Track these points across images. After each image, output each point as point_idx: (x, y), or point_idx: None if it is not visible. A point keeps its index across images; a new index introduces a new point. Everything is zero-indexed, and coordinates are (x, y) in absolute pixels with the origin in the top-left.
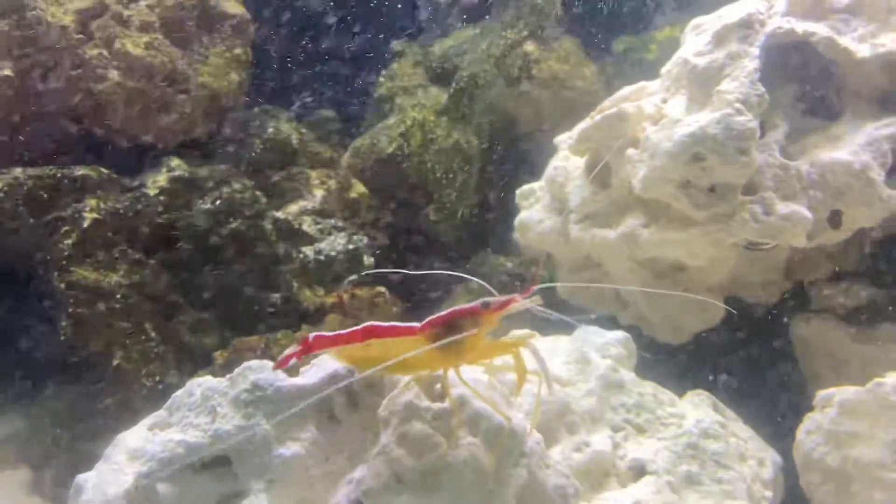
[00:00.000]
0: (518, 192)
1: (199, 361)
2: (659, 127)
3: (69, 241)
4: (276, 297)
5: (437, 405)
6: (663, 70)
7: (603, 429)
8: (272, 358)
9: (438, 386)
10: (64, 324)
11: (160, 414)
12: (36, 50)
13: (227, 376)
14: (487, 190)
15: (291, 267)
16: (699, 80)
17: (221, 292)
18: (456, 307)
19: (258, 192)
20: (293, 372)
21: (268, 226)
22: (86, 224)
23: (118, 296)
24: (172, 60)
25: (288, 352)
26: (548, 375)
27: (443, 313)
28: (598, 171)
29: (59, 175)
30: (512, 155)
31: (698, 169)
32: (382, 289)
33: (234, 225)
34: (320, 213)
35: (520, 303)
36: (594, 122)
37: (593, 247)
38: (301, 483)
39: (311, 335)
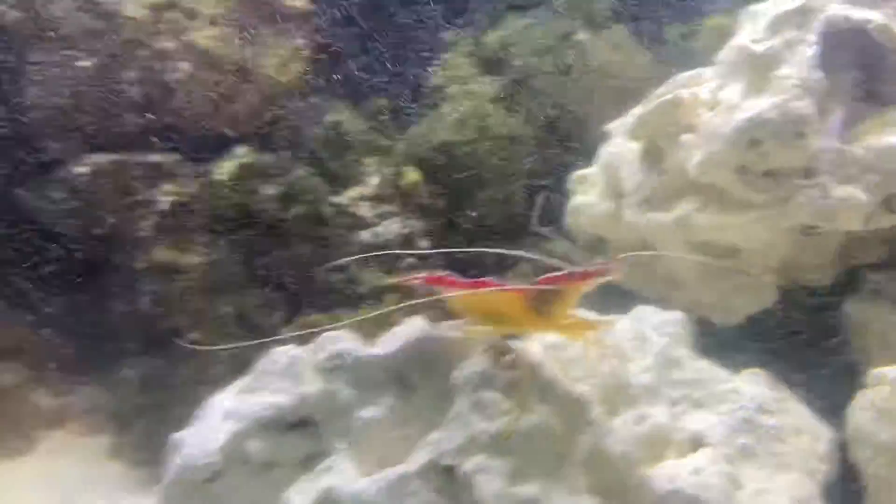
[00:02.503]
0: (573, 177)
1: (266, 337)
2: (715, 113)
3: (149, 223)
4: (336, 277)
5: (509, 373)
6: (719, 57)
7: (661, 403)
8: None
9: (509, 356)
10: (144, 300)
11: (245, 380)
12: (112, 42)
13: (309, 345)
14: (539, 176)
15: (350, 249)
16: (756, 66)
17: (286, 273)
18: (549, 275)
19: (318, 179)
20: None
21: (328, 210)
22: (164, 207)
23: (194, 274)
24: (238, 52)
25: (411, 278)
26: (616, 352)
27: (539, 279)
28: (654, 156)
29: (136, 162)
30: (563, 142)
31: (755, 154)
32: (440, 272)
33: (296, 209)
34: (376, 198)
35: (607, 274)
36: (650, 108)
37: (648, 230)
38: (379, 444)
39: (439, 273)
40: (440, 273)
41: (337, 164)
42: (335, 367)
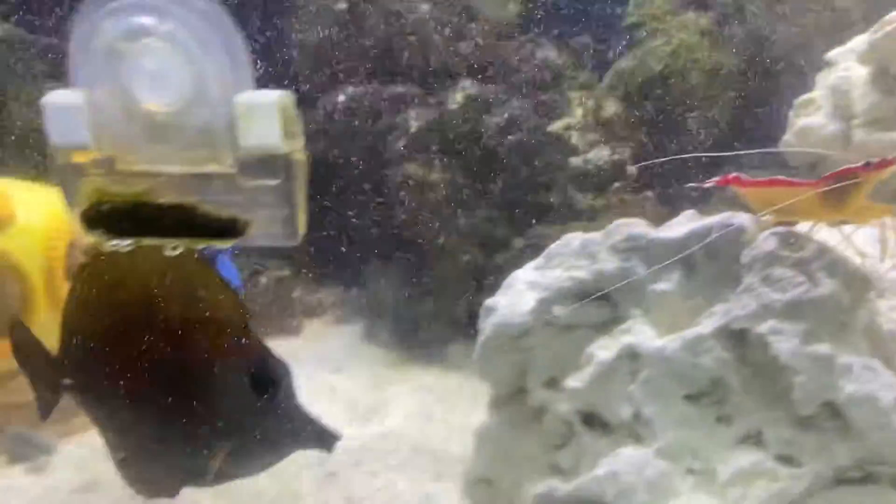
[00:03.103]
0: (798, 101)
1: (493, 247)
2: None
3: (401, 143)
4: (552, 199)
5: (797, 254)
6: None
7: None
8: None
9: (792, 241)
10: (398, 210)
11: (539, 261)
12: None
13: (601, 231)
14: (746, 105)
15: (564, 174)
16: None
17: (507, 193)
18: (844, 166)
19: (530, 111)
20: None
21: (542, 138)
22: (412, 130)
23: (438, 189)
24: None
25: (711, 179)
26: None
27: (833, 171)
28: (885, 79)
29: (384, 92)
30: (767, 74)
31: None
32: (649, 193)
33: (516, 137)
34: (583, 128)
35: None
36: (881, 34)
37: (879, 149)
38: (669, 314)
39: (732, 174)
40: (733, 174)
41: (546, 97)
42: (630, 247)
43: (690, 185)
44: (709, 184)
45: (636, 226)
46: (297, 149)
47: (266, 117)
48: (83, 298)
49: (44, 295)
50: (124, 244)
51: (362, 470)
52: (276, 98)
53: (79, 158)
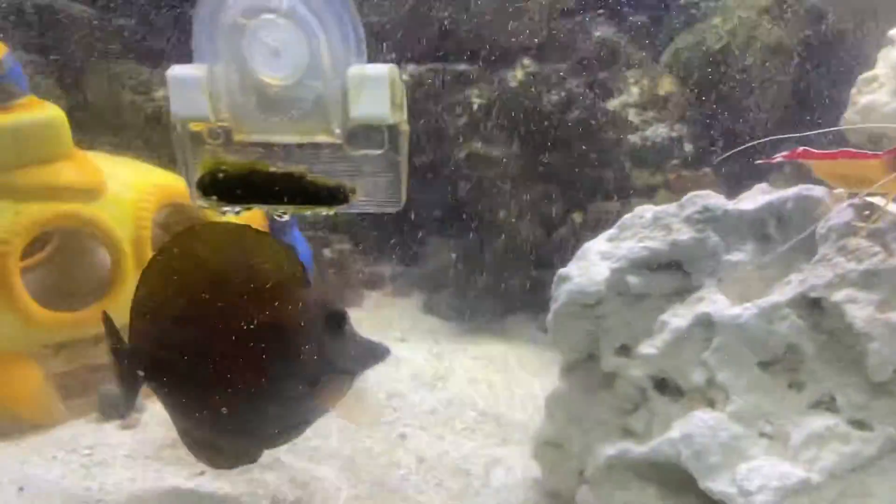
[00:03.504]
0: (860, 78)
1: (552, 222)
2: None
3: (463, 121)
4: (610, 174)
5: (872, 225)
6: None
7: None
8: None
9: (866, 212)
10: (461, 185)
11: (612, 232)
12: None
13: (674, 203)
14: (806, 82)
15: (622, 150)
16: None
17: (565, 169)
18: None
19: (587, 89)
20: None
21: (600, 116)
22: (475, 107)
23: (499, 165)
24: None
25: (777, 155)
26: None
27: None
28: None
29: (448, 69)
30: (826, 51)
31: None
32: (708, 169)
33: (574, 114)
34: (639, 106)
35: None
36: None
37: None
38: (742, 283)
39: (800, 148)
40: (801, 148)
41: (603, 75)
42: (706, 218)
43: (759, 160)
44: (777, 158)
45: (711, 197)
46: (402, 119)
47: (377, 89)
48: (151, 290)
49: (132, 262)
50: (235, 210)
51: (430, 433)
52: (386, 71)
53: (197, 128)
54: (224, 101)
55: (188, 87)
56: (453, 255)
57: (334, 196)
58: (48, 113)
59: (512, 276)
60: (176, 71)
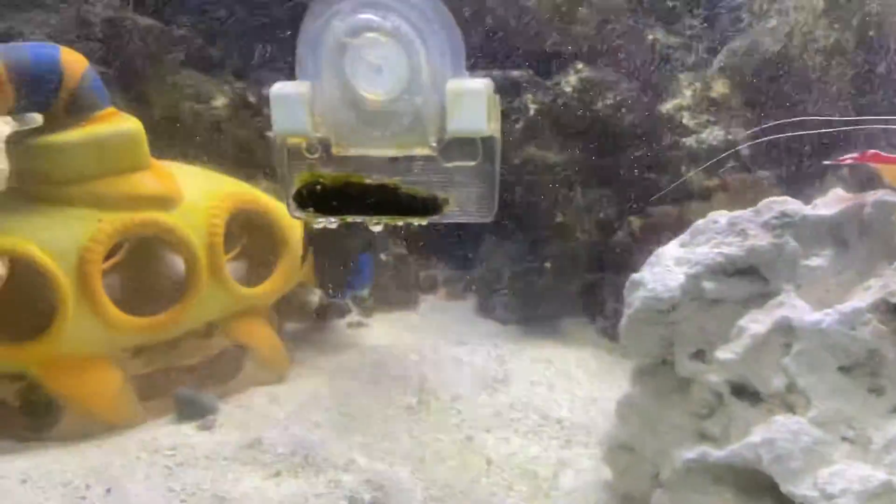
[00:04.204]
0: None
1: (607, 225)
2: None
3: (519, 126)
4: (666, 178)
5: None
6: None
7: None
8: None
9: None
10: (518, 189)
11: (684, 238)
12: None
13: (750, 209)
14: (860, 86)
15: (679, 153)
16: None
17: (621, 173)
18: None
19: (642, 92)
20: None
21: (654, 119)
22: (531, 112)
23: (556, 169)
24: None
25: (847, 156)
26: None
27: None
28: None
29: (503, 75)
30: (884, 54)
31: None
32: (765, 173)
33: (628, 118)
34: (693, 109)
35: None
36: None
37: None
38: (821, 288)
39: (871, 151)
40: (871, 151)
41: (656, 79)
42: (783, 223)
43: (827, 162)
44: (846, 160)
45: (789, 203)
46: (496, 131)
47: (475, 103)
48: None
49: (206, 267)
50: (331, 222)
51: (496, 435)
52: (483, 85)
53: (296, 143)
54: (325, 116)
55: (290, 103)
56: (511, 259)
57: (428, 207)
58: (128, 125)
59: (569, 279)
60: (279, 88)
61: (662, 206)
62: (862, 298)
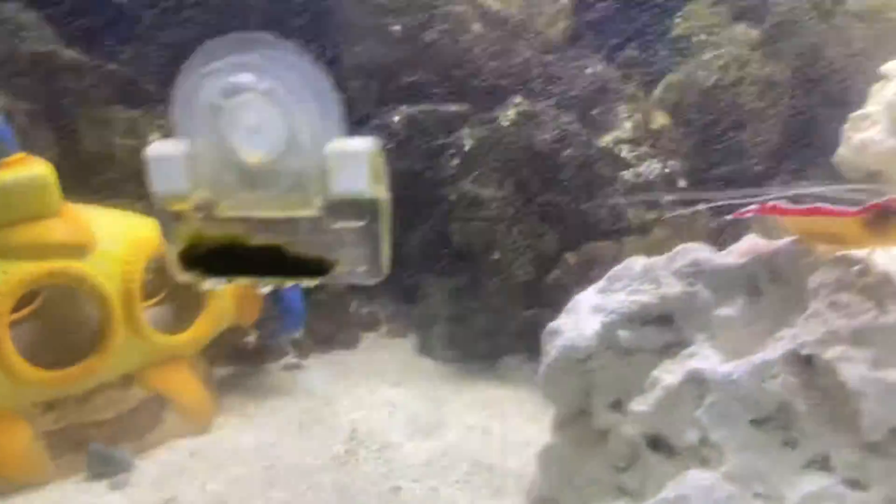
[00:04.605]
0: (851, 116)
1: (545, 261)
2: None
3: (455, 162)
4: (604, 212)
5: (863, 280)
6: None
7: None
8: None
9: (857, 267)
10: (455, 226)
11: (602, 284)
12: (416, 8)
13: (664, 256)
14: (795, 119)
15: (616, 188)
16: None
17: (560, 208)
18: (888, 197)
19: (580, 125)
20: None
21: (593, 152)
22: (467, 148)
23: (492, 206)
24: (518, 12)
25: (749, 208)
26: None
27: (876, 201)
28: None
29: (440, 110)
30: (819, 86)
31: None
32: (701, 206)
33: (566, 151)
34: (632, 141)
35: None
36: None
37: None
38: (733, 338)
39: (771, 202)
40: (773, 202)
41: (595, 111)
42: (695, 271)
43: (729, 217)
44: (748, 212)
45: (701, 251)
46: (381, 192)
47: (355, 165)
48: None
49: (121, 317)
50: (220, 283)
51: (424, 485)
52: (365, 147)
53: (178, 205)
54: (205, 177)
55: (168, 164)
56: (450, 297)
57: (315, 268)
58: (36, 170)
59: (507, 317)
60: (155, 149)
61: (599, 242)
62: (773, 350)
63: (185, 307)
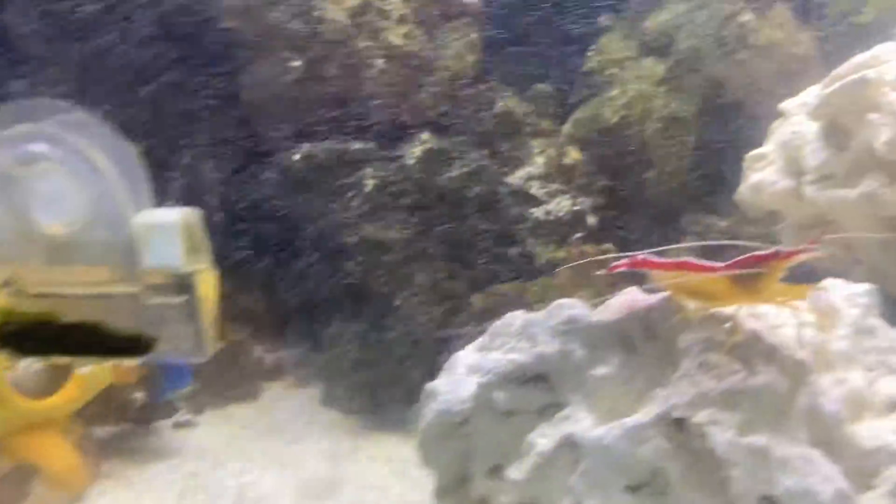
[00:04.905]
0: (748, 156)
1: (453, 304)
2: None
3: (356, 203)
4: (513, 251)
5: (733, 339)
6: None
7: (857, 368)
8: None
9: (730, 324)
10: (354, 272)
11: (482, 340)
12: (317, 43)
13: (542, 311)
14: (701, 155)
15: (525, 226)
16: None
17: (468, 247)
18: (753, 253)
19: (490, 161)
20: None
21: (502, 190)
22: (368, 189)
23: (396, 248)
24: (423, 47)
25: (619, 262)
26: (834, 318)
27: (742, 257)
28: (838, 134)
29: (340, 149)
30: (724, 122)
31: None
32: (609, 245)
33: (475, 189)
34: (543, 178)
35: (808, 254)
36: (836, 88)
37: (829, 206)
38: (609, 398)
39: (641, 256)
40: (643, 256)
41: (505, 147)
42: (570, 329)
43: (599, 272)
44: (618, 267)
45: (575, 307)
46: (201, 265)
47: (167, 237)
48: None
49: None
50: (34, 363)
51: None
52: (177, 217)
53: None
54: (5, 250)
55: None
56: (353, 344)
57: (134, 346)
58: None
59: (413, 364)
60: None
61: (506, 284)
62: (646, 412)
63: (58, 368)
